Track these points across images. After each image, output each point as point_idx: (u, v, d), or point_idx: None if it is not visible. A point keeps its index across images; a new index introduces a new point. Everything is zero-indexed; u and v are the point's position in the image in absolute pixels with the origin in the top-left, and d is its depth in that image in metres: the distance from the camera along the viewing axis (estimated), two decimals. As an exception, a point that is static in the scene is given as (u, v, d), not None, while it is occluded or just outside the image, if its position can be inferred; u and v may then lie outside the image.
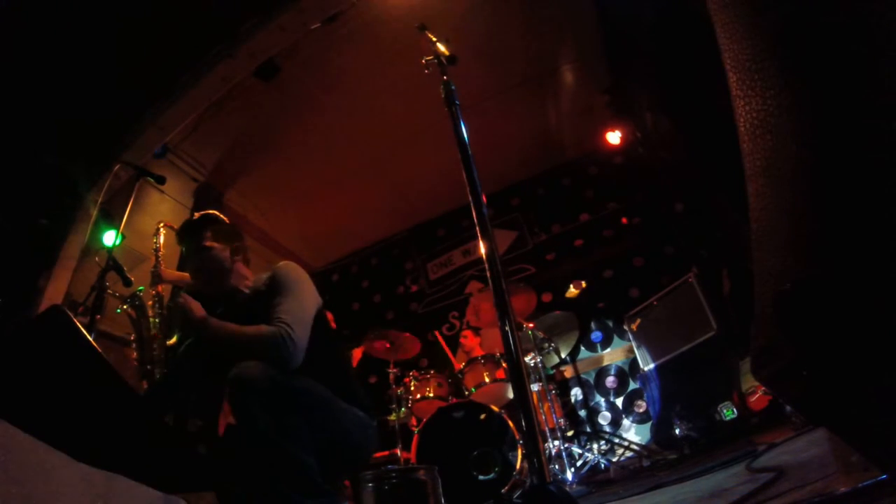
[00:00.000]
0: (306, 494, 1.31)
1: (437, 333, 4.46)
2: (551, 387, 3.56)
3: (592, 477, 2.97)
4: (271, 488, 1.28)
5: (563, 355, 3.97)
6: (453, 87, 1.58)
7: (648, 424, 4.22)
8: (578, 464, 3.12)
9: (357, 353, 4.07)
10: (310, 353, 1.52)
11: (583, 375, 4.74)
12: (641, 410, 4.41)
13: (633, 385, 4.55)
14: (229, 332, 1.52)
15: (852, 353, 0.70)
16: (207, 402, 1.61)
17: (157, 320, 2.22)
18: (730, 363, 3.20)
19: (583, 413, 4.63)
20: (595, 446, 3.56)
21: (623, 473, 2.92)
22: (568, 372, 4.76)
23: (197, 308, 1.57)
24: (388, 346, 3.75)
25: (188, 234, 1.80)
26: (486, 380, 3.26)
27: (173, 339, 2.12)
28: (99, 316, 2.19)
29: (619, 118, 4.89)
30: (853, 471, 0.95)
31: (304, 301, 1.61)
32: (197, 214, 1.92)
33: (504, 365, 3.29)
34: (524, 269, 5.45)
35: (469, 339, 4.20)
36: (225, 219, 1.95)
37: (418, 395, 3.42)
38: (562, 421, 3.42)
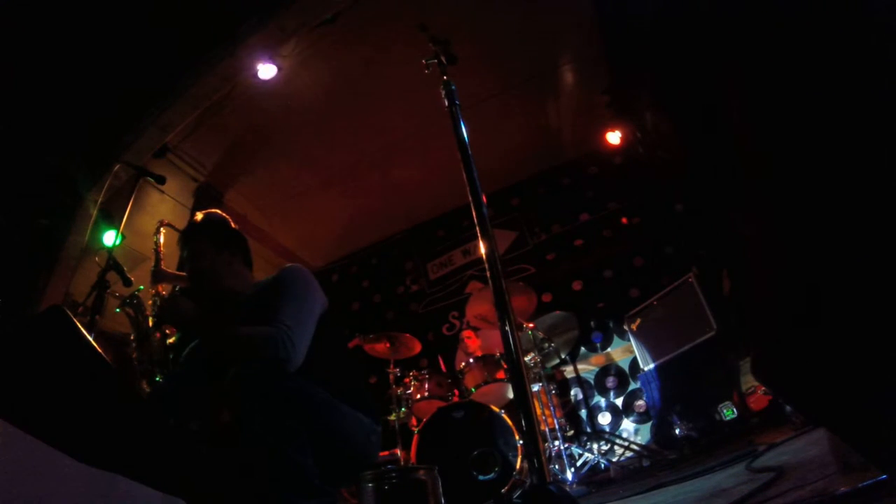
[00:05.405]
0: (303, 495, 1.31)
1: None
2: (551, 387, 3.56)
3: (592, 477, 2.97)
4: (268, 489, 1.28)
5: (563, 355, 3.97)
6: (453, 87, 1.58)
7: (648, 424, 4.22)
8: (578, 464, 3.12)
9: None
10: (312, 355, 1.52)
11: (583, 375, 4.73)
12: (641, 410, 4.41)
13: (633, 385, 4.55)
14: (225, 332, 1.52)
15: (852, 353, 0.70)
16: (208, 403, 1.61)
17: (156, 319, 2.22)
18: (730, 363, 3.20)
19: (583, 413, 4.63)
20: (595, 446, 3.56)
21: (623, 473, 2.92)
22: (568, 372, 4.76)
23: (188, 308, 1.56)
24: (388, 346, 3.75)
25: (186, 240, 1.80)
26: (486, 380, 3.26)
27: (173, 339, 2.12)
28: (99, 316, 2.19)
29: (619, 118, 4.88)
30: (853, 471, 0.95)
31: (305, 303, 1.60)
32: (200, 214, 1.92)
33: (504, 365, 3.29)
34: (524, 269, 5.45)
35: (472, 340, 4.20)
36: (227, 217, 1.95)
37: (418, 396, 3.42)
38: (562, 421, 3.42)
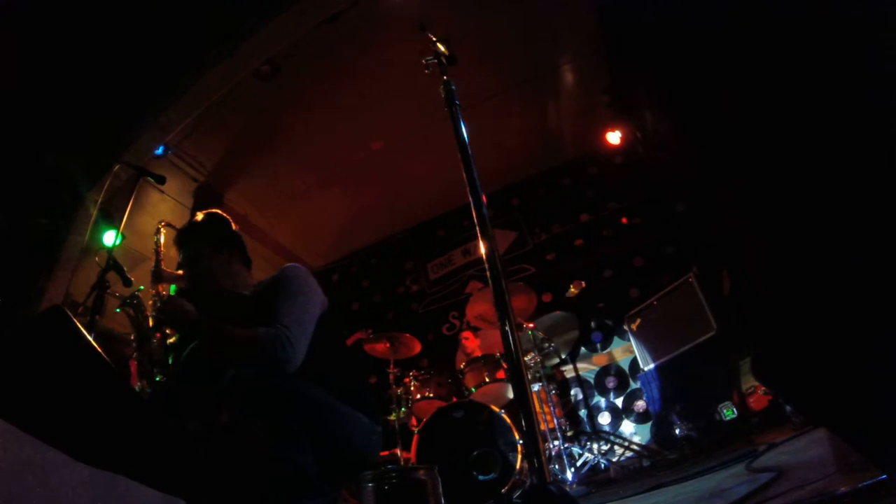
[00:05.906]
0: (303, 495, 1.31)
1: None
2: (551, 387, 3.56)
3: (592, 477, 2.97)
4: (268, 489, 1.28)
5: (563, 355, 3.97)
6: (453, 87, 1.57)
7: (648, 424, 4.22)
8: (578, 464, 3.12)
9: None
10: (312, 355, 1.52)
11: (583, 375, 4.73)
12: (641, 410, 4.41)
13: (633, 385, 4.55)
14: (224, 333, 1.52)
15: (852, 353, 0.70)
16: (208, 403, 1.61)
17: (156, 320, 2.21)
18: (730, 363, 3.20)
19: (583, 413, 4.63)
20: (595, 446, 3.56)
21: (623, 473, 2.92)
22: (568, 372, 4.76)
23: (187, 310, 1.56)
24: (388, 345, 3.75)
25: (184, 241, 1.81)
26: (486, 380, 3.26)
27: (173, 339, 2.11)
28: (99, 316, 2.19)
29: (619, 118, 4.88)
30: (853, 471, 0.95)
31: (305, 304, 1.60)
32: (199, 215, 1.92)
33: (504, 365, 3.29)
34: (524, 269, 5.45)
35: (471, 341, 4.20)
36: (227, 217, 1.94)
37: (418, 395, 3.42)
38: (562, 421, 3.42)
